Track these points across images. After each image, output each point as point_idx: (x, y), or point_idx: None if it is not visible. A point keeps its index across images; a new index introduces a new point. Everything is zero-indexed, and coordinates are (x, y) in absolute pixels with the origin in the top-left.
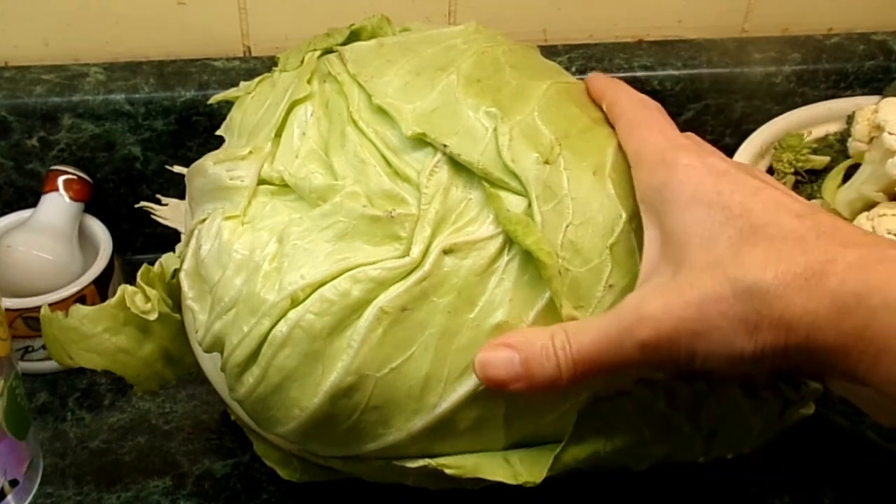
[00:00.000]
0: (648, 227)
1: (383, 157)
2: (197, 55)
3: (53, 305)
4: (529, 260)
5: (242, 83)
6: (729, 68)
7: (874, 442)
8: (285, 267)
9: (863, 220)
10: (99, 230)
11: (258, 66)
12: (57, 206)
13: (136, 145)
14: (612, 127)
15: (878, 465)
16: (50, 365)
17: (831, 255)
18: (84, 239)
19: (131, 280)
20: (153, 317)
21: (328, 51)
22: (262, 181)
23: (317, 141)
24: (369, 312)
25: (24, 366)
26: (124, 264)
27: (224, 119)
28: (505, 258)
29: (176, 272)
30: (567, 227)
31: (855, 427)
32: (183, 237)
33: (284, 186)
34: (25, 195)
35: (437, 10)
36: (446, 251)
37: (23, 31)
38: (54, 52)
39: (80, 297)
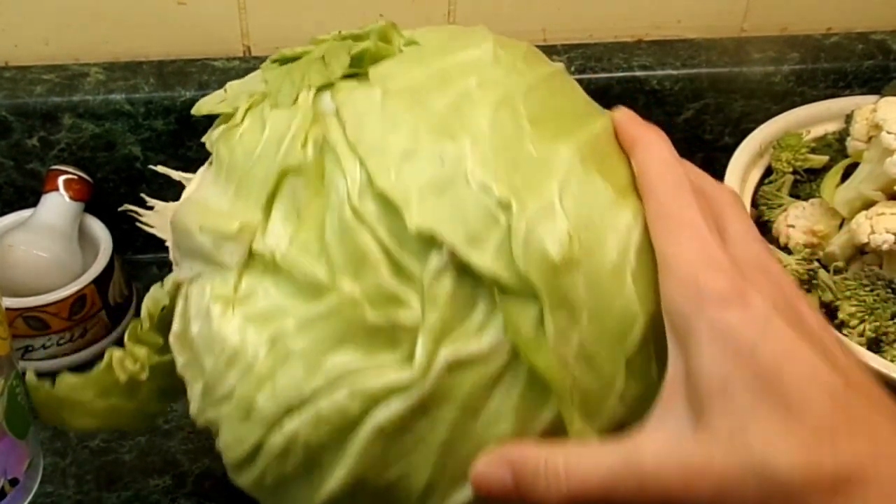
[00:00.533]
0: (673, 350)
1: (385, 250)
2: (197, 55)
3: (54, 305)
4: (542, 376)
5: (229, 84)
6: (728, 68)
7: None
8: (279, 373)
9: (861, 218)
10: (99, 230)
11: (258, 65)
12: (57, 205)
13: (137, 145)
14: (639, 195)
15: None
16: (50, 364)
17: (861, 459)
18: (84, 238)
19: (131, 278)
20: (143, 376)
21: (327, 84)
22: (252, 253)
23: (312, 224)
24: (367, 428)
25: (24, 365)
26: (124, 264)
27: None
28: (512, 370)
29: (165, 308)
30: (580, 337)
31: None
32: (171, 276)
33: (275, 265)
34: (26, 195)
35: (437, 9)
36: (451, 366)
37: (23, 31)
38: (54, 51)
39: (81, 297)
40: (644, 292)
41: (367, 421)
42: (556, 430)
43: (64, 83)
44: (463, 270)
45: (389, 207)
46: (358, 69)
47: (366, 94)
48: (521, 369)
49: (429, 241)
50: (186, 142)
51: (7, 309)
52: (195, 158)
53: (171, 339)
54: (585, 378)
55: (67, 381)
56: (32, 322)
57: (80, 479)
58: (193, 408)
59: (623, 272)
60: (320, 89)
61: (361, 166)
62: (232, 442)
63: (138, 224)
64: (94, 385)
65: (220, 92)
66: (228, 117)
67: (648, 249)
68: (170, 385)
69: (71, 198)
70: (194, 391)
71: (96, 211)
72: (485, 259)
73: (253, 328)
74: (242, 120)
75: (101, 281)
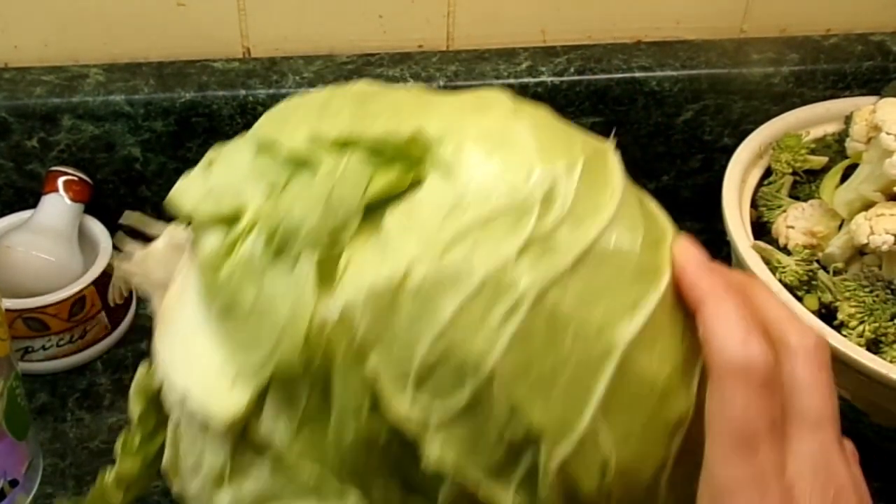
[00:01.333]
0: None
1: (399, 471)
2: (196, 56)
3: (53, 306)
4: None
5: (215, 160)
6: (727, 69)
7: (872, 442)
8: None
9: (861, 219)
10: (99, 231)
11: (257, 66)
12: (57, 206)
13: (136, 146)
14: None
15: (875, 466)
16: (50, 365)
17: None
18: (84, 240)
19: None
20: (135, 492)
21: (332, 251)
22: (246, 436)
23: (314, 428)
24: None
25: (23, 366)
26: None
27: (224, 119)
28: None
29: (158, 393)
30: None
31: (853, 427)
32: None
33: (272, 454)
34: (25, 196)
35: (437, 10)
36: None
37: (23, 33)
38: (54, 53)
39: (80, 298)
40: None
41: None
42: None
43: (63, 84)
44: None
45: (403, 435)
46: (370, 220)
47: (377, 298)
48: None
49: (444, 472)
50: (186, 143)
51: (7, 310)
52: (194, 160)
53: (164, 467)
54: None
55: None
56: (32, 323)
57: (79, 480)
58: None
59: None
60: (323, 261)
61: (371, 387)
62: None
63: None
64: None
65: (201, 173)
66: (214, 221)
67: (684, 480)
68: (158, 467)
69: (71, 199)
70: None
71: (96, 212)
72: (506, 498)
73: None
74: (232, 250)
75: (101, 282)
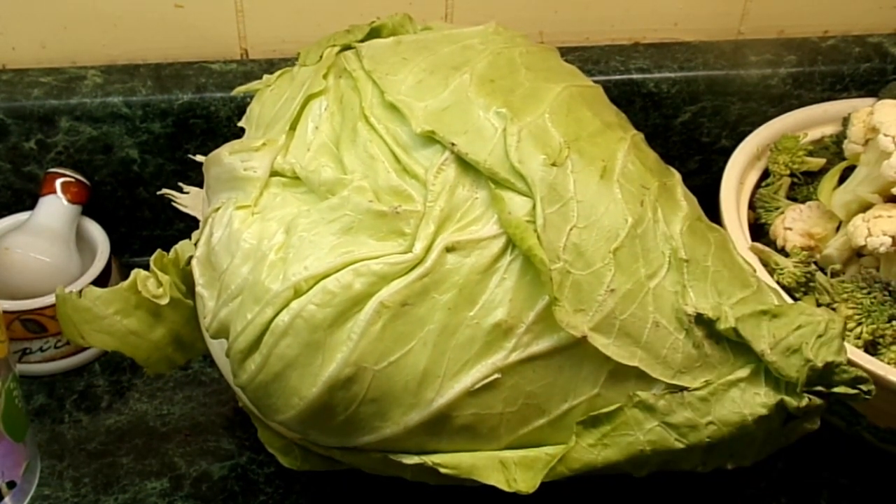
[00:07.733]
0: None
1: (392, 153)
2: (194, 58)
3: (51, 308)
4: (532, 261)
5: (265, 76)
6: (725, 70)
7: (870, 443)
8: (290, 257)
9: (858, 221)
10: (96, 232)
11: (255, 68)
12: (54, 208)
13: (134, 148)
14: (625, 130)
15: (873, 466)
16: (47, 367)
17: None
18: (81, 241)
19: None
20: (164, 301)
21: (347, 47)
22: (274, 173)
23: (329, 135)
24: (370, 306)
25: (21, 368)
26: (122, 266)
27: (221, 121)
28: (507, 258)
29: (190, 259)
30: (571, 229)
31: (851, 428)
32: (200, 225)
33: (296, 178)
34: (23, 198)
35: (434, 12)
36: (449, 248)
37: (20, 34)
38: (52, 54)
39: None
40: (629, 200)
41: (369, 300)
42: (548, 321)
43: (61, 86)
44: (463, 167)
45: (398, 117)
46: (376, 37)
47: (382, 41)
48: (515, 258)
49: (432, 145)
50: (184, 144)
51: (4, 312)
52: (192, 161)
53: (194, 262)
54: (576, 267)
55: (94, 292)
56: (30, 325)
57: (77, 481)
58: (208, 319)
59: (611, 180)
60: (342, 49)
61: (374, 86)
62: (240, 330)
63: (174, 204)
64: (118, 300)
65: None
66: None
67: (632, 167)
68: (187, 336)
69: (68, 200)
70: (208, 307)
71: (94, 213)
72: (481, 154)
73: (269, 227)
74: (275, 82)
75: (99, 283)
